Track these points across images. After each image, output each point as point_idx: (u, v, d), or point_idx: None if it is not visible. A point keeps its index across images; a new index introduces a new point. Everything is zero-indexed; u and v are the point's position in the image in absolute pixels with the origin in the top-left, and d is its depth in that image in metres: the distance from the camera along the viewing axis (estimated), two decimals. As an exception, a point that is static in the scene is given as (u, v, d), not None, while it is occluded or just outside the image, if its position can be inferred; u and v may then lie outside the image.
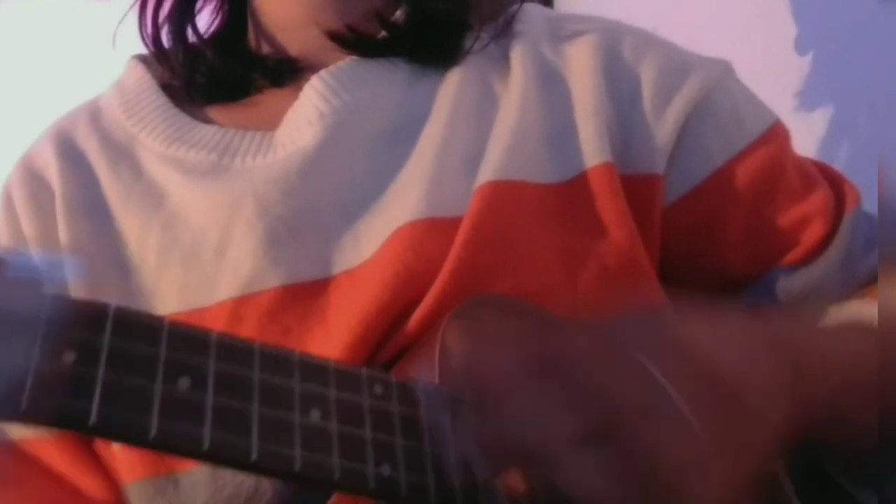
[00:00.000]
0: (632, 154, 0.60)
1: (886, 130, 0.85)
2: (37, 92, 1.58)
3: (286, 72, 0.64)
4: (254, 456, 0.37)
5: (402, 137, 0.59)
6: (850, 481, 0.53)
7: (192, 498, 0.53)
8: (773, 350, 0.43)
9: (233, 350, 0.39)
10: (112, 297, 0.48)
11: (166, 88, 0.66)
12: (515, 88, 0.61)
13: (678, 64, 0.63)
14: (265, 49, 0.66)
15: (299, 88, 0.61)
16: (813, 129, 1.08)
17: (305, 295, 0.55)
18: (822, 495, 0.54)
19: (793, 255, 0.61)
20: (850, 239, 0.61)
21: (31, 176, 0.63)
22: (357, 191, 0.58)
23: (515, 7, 0.66)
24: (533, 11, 0.66)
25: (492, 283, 0.53)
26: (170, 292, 0.57)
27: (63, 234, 0.60)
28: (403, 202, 0.56)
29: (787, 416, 0.42)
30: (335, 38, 0.63)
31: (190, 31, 0.68)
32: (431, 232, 0.54)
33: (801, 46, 1.13)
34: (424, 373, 0.47)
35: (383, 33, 0.63)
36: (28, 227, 0.61)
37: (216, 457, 0.37)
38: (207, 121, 0.64)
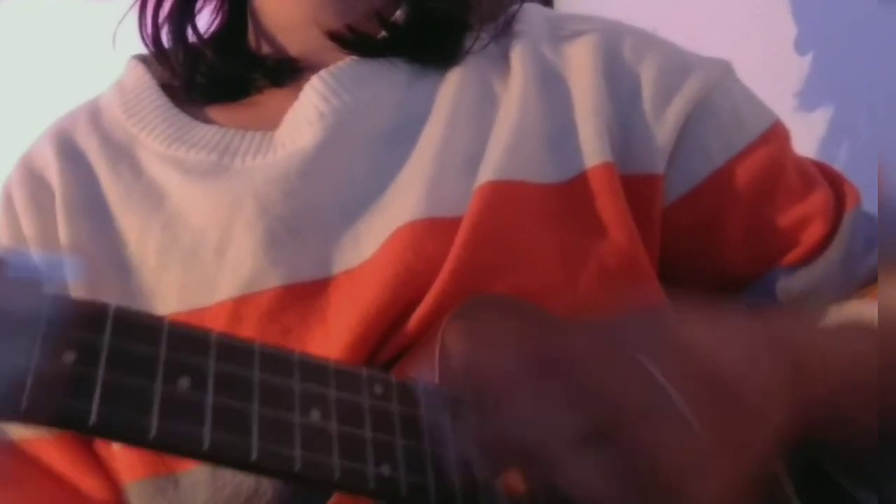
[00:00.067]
0: (632, 154, 0.60)
1: (886, 130, 0.85)
2: (37, 92, 1.58)
3: (286, 72, 0.64)
4: (254, 456, 0.37)
5: (402, 137, 0.59)
6: (850, 481, 0.53)
7: (192, 498, 0.53)
8: (773, 350, 0.43)
9: (233, 350, 0.39)
10: (112, 297, 0.48)
11: (166, 88, 0.66)
12: (515, 88, 0.60)
13: (678, 64, 0.63)
14: (265, 49, 0.66)
15: (299, 88, 0.61)
16: (813, 129, 1.08)
17: (305, 295, 0.55)
18: (822, 495, 0.54)
19: (793, 255, 0.61)
20: (850, 239, 0.61)
21: (31, 176, 0.63)
22: (357, 191, 0.58)
23: (515, 7, 0.66)
24: (533, 11, 0.66)
25: (492, 283, 0.53)
26: (170, 292, 0.57)
27: (63, 234, 0.60)
28: (403, 202, 0.56)
29: (787, 416, 0.42)
30: (335, 38, 0.63)
31: (190, 31, 0.68)
32: (431, 232, 0.54)
33: (801, 46, 1.13)
34: (424, 373, 0.47)
35: (383, 33, 0.63)
36: (28, 227, 0.61)
37: (216, 457, 0.37)
38: (207, 121, 0.64)
